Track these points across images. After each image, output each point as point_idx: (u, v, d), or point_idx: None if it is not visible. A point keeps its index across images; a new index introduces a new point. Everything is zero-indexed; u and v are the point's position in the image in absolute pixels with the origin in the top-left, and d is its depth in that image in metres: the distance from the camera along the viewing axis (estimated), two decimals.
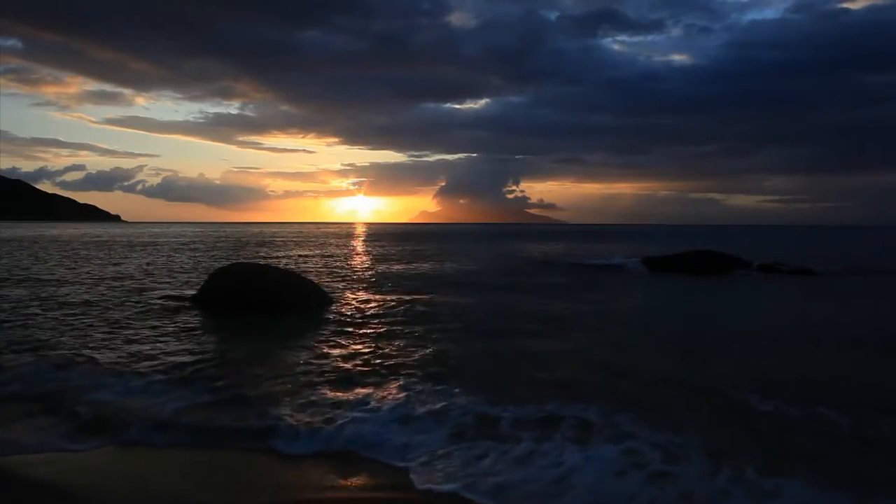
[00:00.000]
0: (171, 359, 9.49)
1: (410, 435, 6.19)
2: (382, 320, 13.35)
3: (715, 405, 7.29)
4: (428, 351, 10.24)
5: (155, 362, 9.26)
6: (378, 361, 9.41)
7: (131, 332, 11.69)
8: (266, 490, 5.09)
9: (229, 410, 6.99)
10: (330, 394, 7.61)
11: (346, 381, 8.23)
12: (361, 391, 7.73)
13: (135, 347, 10.32)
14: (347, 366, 9.13)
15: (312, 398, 7.40)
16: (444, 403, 7.13)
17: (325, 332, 11.87)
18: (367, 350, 10.29)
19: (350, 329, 12.25)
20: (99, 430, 6.39)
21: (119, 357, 9.57)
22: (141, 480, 5.31)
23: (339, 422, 6.53)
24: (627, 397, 7.47)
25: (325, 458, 5.75)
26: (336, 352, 10.14)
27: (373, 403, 7.18)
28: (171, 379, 8.33)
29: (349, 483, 5.25)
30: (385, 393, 7.64)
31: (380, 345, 10.71)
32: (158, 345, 10.56)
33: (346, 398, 7.42)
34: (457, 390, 7.68)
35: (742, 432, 6.37)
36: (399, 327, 12.50)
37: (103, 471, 5.48)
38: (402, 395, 7.54)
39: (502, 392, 7.59)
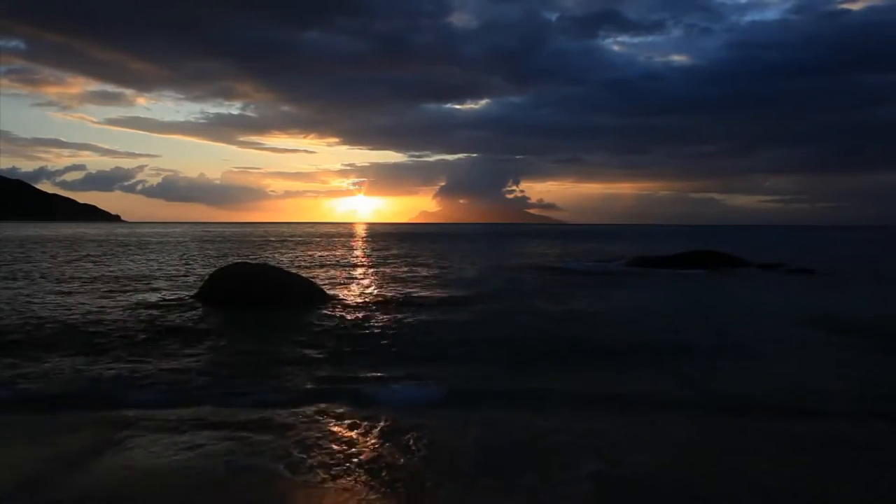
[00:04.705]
0: (167, 358, 9.45)
1: None
2: (376, 317, 13.39)
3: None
4: (410, 338, 10.97)
5: (151, 358, 9.21)
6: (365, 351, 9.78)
7: (129, 331, 11.62)
8: None
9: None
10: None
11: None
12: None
13: (132, 345, 10.27)
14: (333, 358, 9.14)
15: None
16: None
17: (319, 328, 11.92)
18: (356, 345, 10.47)
19: (343, 325, 12.32)
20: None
21: (117, 353, 9.54)
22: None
23: None
24: None
25: None
26: (328, 345, 10.31)
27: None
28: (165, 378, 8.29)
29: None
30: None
31: (369, 338, 10.99)
32: (156, 344, 10.50)
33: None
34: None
35: None
36: (390, 321, 12.64)
37: None
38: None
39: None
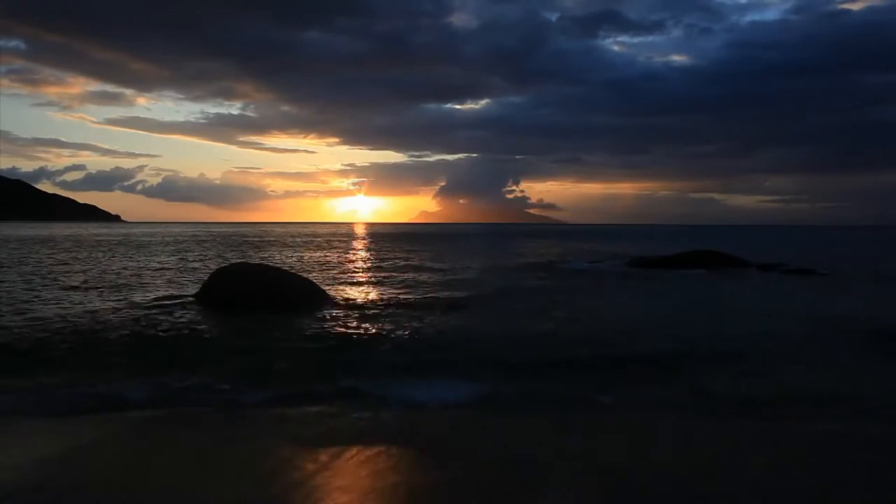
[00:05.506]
0: (166, 358, 9.45)
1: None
2: (377, 318, 13.47)
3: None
4: (412, 338, 11.28)
5: (150, 358, 9.22)
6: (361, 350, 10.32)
7: (129, 331, 11.64)
8: None
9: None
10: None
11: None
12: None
13: (132, 345, 10.28)
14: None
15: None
16: None
17: (320, 329, 11.96)
18: (357, 346, 10.62)
19: (345, 326, 12.34)
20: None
21: (117, 353, 9.55)
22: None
23: None
24: None
25: None
26: (329, 346, 10.47)
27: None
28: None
29: None
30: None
31: (370, 340, 11.12)
32: (156, 344, 10.51)
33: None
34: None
35: None
36: (391, 322, 12.69)
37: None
38: None
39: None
